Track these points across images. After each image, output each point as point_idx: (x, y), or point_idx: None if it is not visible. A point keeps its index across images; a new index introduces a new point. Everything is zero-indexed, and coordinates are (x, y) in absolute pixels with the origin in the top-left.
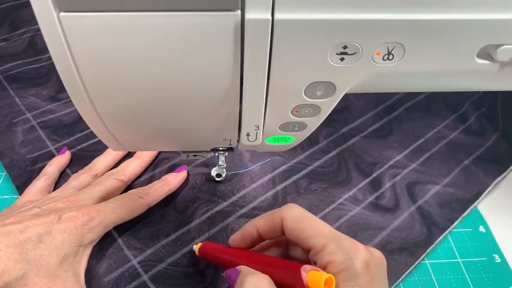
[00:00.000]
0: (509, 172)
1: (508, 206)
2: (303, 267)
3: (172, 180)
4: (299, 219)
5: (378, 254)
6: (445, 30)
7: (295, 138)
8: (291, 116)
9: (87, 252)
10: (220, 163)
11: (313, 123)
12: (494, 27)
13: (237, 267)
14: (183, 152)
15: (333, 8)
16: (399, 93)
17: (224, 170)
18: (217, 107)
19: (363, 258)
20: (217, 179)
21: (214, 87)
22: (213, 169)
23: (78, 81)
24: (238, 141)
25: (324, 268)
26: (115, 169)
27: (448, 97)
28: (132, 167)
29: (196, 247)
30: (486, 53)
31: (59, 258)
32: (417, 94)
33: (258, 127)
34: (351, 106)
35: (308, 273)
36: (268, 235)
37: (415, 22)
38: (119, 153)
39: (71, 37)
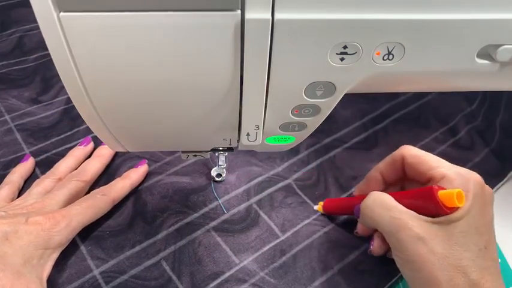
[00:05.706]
0: (500, 186)
1: (508, 206)
2: (434, 188)
3: (134, 175)
4: (418, 155)
5: (488, 187)
6: (445, 30)
7: (295, 138)
8: (291, 116)
9: (54, 256)
10: (220, 163)
11: (313, 123)
12: (494, 27)
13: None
14: (183, 152)
15: (332, 8)
16: (387, 103)
17: (224, 170)
18: (217, 107)
19: (478, 182)
20: (217, 178)
21: (214, 87)
22: (213, 169)
23: (78, 81)
24: (238, 141)
25: None
26: (76, 171)
27: (439, 109)
28: (93, 166)
29: (318, 206)
30: (486, 53)
31: (23, 259)
32: (406, 105)
33: (258, 127)
34: (336, 115)
35: (439, 191)
36: (390, 176)
37: (415, 22)
38: (81, 155)
39: (71, 37)
